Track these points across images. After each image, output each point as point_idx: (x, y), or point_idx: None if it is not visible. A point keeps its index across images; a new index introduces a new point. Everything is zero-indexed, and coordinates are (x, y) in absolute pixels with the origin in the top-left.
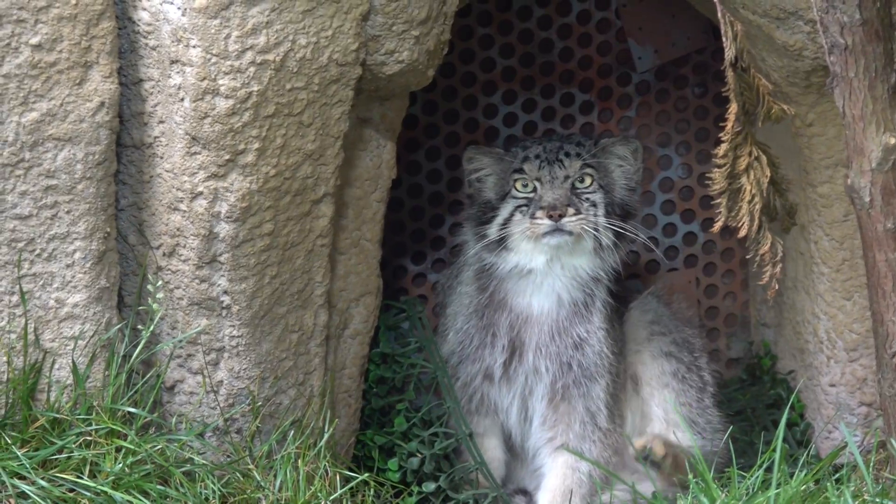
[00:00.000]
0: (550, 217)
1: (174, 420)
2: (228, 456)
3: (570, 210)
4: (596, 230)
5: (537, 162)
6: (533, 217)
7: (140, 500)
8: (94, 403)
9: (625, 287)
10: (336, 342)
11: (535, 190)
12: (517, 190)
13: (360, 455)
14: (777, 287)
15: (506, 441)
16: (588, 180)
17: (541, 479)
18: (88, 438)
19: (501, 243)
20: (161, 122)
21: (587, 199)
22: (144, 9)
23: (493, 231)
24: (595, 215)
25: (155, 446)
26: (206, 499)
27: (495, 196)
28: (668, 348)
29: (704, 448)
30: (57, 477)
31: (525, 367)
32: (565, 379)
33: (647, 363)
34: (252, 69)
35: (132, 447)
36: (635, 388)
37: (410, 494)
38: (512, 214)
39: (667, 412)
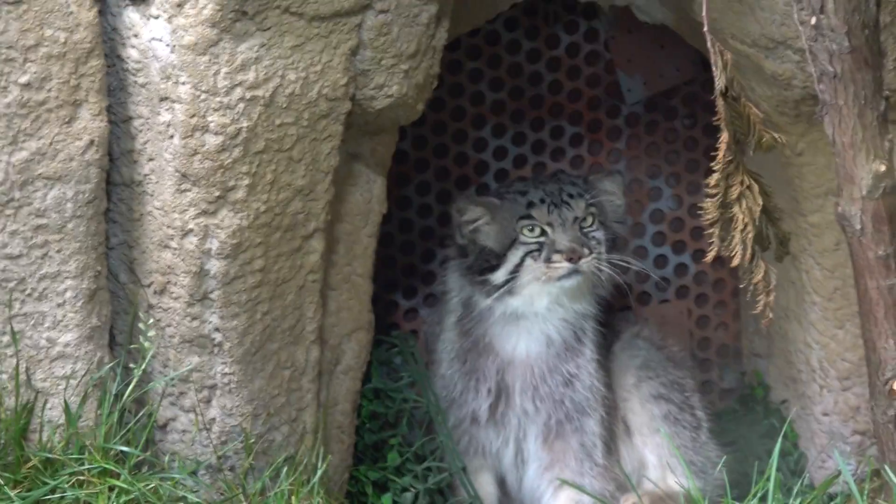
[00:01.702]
0: (570, 260)
1: (167, 458)
2: (222, 494)
3: (586, 251)
4: (599, 268)
5: (545, 206)
6: (549, 261)
7: None
8: (87, 443)
9: (614, 316)
10: (328, 378)
11: (543, 233)
12: (525, 235)
13: (354, 491)
14: (771, 316)
15: (499, 484)
16: (590, 219)
17: None
18: (81, 478)
19: (502, 288)
20: (151, 159)
21: (593, 237)
22: (133, 46)
23: (499, 277)
24: (600, 253)
25: (148, 485)
26: None
27: (497, 244)
28: (657, 391)
29: (704, 488)
30: None
31: (515, 411)
32: (557, 415)
33: (637, 410)
34: (241, 105)
35: (125, 486)
36: (627, 434)
37: None
38: (522, 260)
39: (661, 457)
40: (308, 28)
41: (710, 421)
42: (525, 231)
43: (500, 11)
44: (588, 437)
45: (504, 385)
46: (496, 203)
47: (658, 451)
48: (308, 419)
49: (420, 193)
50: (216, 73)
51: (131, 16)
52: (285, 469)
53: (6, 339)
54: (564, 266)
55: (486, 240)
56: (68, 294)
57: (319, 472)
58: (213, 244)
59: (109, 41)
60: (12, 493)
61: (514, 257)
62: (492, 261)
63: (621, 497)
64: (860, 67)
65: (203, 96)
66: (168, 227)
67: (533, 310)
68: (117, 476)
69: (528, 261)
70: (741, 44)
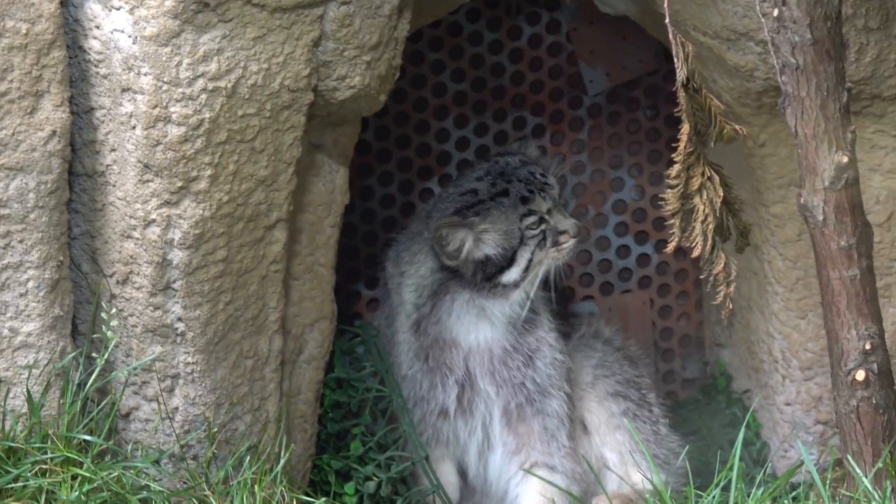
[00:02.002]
0: (576, 236)
1: (130, 447)
2: (185, 482)
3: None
4: None
5: (536, 196)
6: (557, 244)
7: None
8: (50, 432)
9: (569, 310)
10: (291, 367)
11: (543, 221)
12: (531, 230)
13: (317, 480)
14: (731, 307)
15: (462, 474)
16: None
17: None
18: (44, 467)
19: (519, 285)
20: (113, 150)
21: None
22: (95, 37)
23: (513, 276)
24: None
25: (111, 474)
26: None
27: (500, 248)
28: (614, 389)
29: (667, 480)
30: None
31: (481, 396)
32: (518, 398)
33: (594, 409)
34: (204, 96)
35: (88, 475)
36: (585, 433)
37: None
38: (533, 254)
39: (622, 454)
40: (270, 19)
41: (667, 416)
42: (530, 227)
43: (462, 3)
44: (551, 419)
45: (468, 373)
46: (476, 221)
47: (619, 448)
48: (271, 408)
49: (382, 184)
50: (178, 65)
51: (93, 7)
52: (248, 458)
53: None
54: (571, 243)
55: (484, 250)
56: (31, 284)
57: (282, 461)
58: (176, 234)
59: (71, 32)
60: None
61: (525, 253)
62: (499, 264)
63: (593, 500)
64: (822, 59)
65: (165, 87)
66: (130, 217)
67: (533, 292)
68: (80, 465)
69: (539, 252)
70: (703, 35)
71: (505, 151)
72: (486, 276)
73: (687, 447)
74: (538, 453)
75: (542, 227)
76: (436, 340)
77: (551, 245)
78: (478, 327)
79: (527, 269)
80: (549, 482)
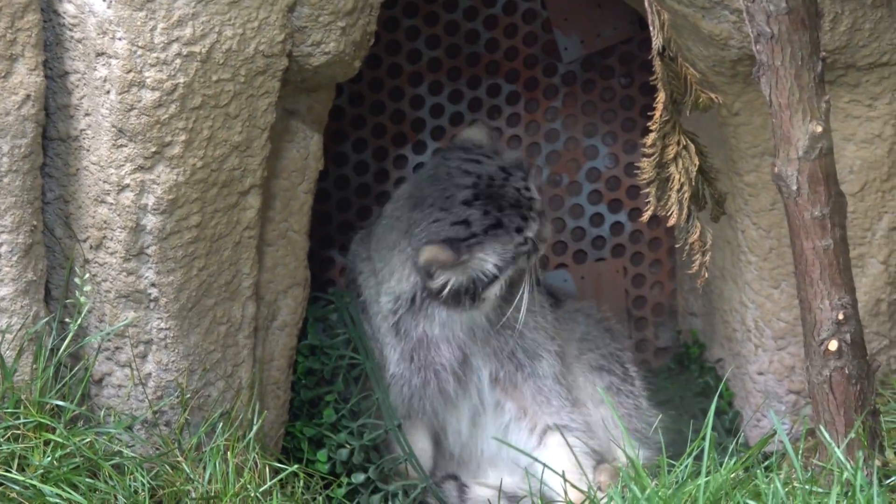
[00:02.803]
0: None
1: (102, 413)
2: (157, 448)
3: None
4: None
5: (529, 221)
6: (536, 251)
7: (69, 493)
8: (22, 397)
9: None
10: (264, 334)
11: (531, 240)
12: (522, 248)
13: (290, 447)
14: (706, 276)
15: (436, 441)
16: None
17: (504, 470)
18: (17, 432)
19: (488, 298)
20: (87, 114)
21: None
22: (70, 1)
23: (496, 291)
24: None
25: (84, 439)
26: (136, 491)
27: (490, 273)
28: (598, 363)
29: (648, 456)
30: None
31: (474, 372)
32: (508, 367)
33: (580, 383)
34: (178, 61)
35: (61, 440)
36: None
37: (340, 486)
38: (519, 267)
39: (607, 429)
40: None
41: (647, 390)
42: (520, 246)
43: None
44: (542, 381)
45: (463, 359)
46: (467, 259)
47: (603, 424)
48: (244, 375)
49: (357, 150)
50: (153, 29)
51: None
52: (221, 424)
53: None
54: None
55: (472, 276)
56: (3, 248)
57: (255, 428)
58: (150, 200)
59: None
60: None
61: (512, 268)
62: (487, 284)
63: (595, 469)
64: (797, 28)
65: (139, 52)
66: (104, 182)
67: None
68: (53, 430)
69: (526, 262)
70: (678, 3)
71: (480, 153)
72: (472, 297)
73: (660, 416)
74: (546, 416)
75: (530, 244)
76: (420, 342)
77: (534, 252)
78: (462, 327)
79: (511, 283)
80: (568, 444)
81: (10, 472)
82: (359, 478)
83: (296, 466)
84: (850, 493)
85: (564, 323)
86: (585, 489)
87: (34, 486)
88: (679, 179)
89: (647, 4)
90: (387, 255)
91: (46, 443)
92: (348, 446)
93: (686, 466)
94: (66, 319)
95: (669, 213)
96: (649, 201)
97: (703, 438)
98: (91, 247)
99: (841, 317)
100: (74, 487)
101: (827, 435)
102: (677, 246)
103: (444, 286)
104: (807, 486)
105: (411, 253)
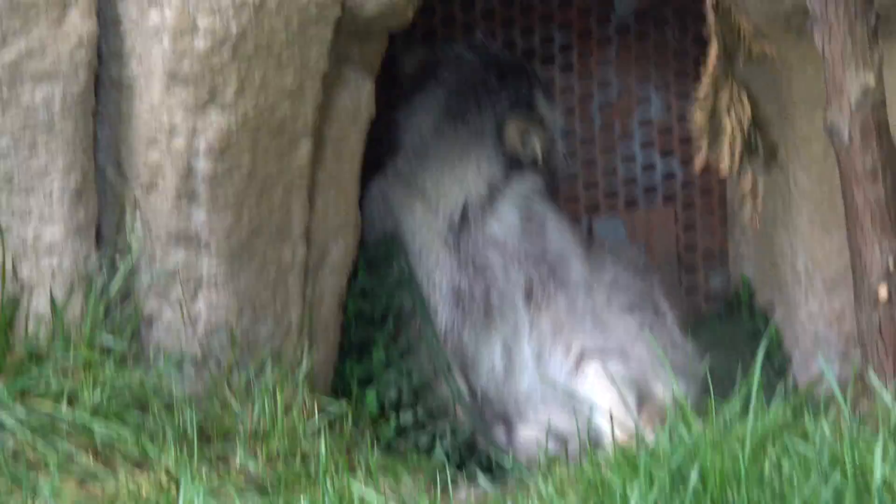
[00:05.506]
0: None
1: (152, 352)
2: (207, 387)
3: None
4: None
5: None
6: None
7: (118, 428)
8: (73, 335)
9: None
10: (314, 276)
11: None
12: None
13: (339, 387)
14: (758, 223)
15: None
16: None
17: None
18: (67, 368)
19: None
20: (140, 60)
21: None
22: None
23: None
24: None
25: (133, 377)
26: (184, 428)
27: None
28: (630, 302)
29: (688, 390)
30: (36, 407)
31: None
32: (540, 275)
33: (612, 325)
34: (231, 9)
35: (110, 378)
36: None
37: (388, 425)
38: None
39: (644, 369)
40: None
41: (681, 321)
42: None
43: None
44: (577, 291)
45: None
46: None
47: (640, 363)
48: (294, 316)
49: None
50: None
51: None
52: (270, 364)
53: None
54: None
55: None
56: (56, 190)
57: (304, 368)
58: (201, 144)
59: None
60: None
61: None
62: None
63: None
64: None
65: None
66: (156, 126)
67: None
68: (102, 367)
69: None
70: None
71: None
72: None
73: (706, 355)
74: (581, 335)
75: None
76: (475, 251)
77: None
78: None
79: None
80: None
81: (59, 407)
82: (407, 417)
83: (344, 402)
84: None
85: (593, 266)
86: (632, 427)
87: (83, 424)
88: (731, 129)
89: None
90: (446, 169)
91: (96, 380)
92: (397, 387)
93: (734, 408)
94: (117, 259)
95: (721, 162)
96: (701, 150)
97: (752, 380)
98: (142, 190)
99: (891, 264)
100: (124, 423)
101: (876, 380)
102: (729, 193)
103: (535, 152)
104: (854, 430)
105: (490, 142)
